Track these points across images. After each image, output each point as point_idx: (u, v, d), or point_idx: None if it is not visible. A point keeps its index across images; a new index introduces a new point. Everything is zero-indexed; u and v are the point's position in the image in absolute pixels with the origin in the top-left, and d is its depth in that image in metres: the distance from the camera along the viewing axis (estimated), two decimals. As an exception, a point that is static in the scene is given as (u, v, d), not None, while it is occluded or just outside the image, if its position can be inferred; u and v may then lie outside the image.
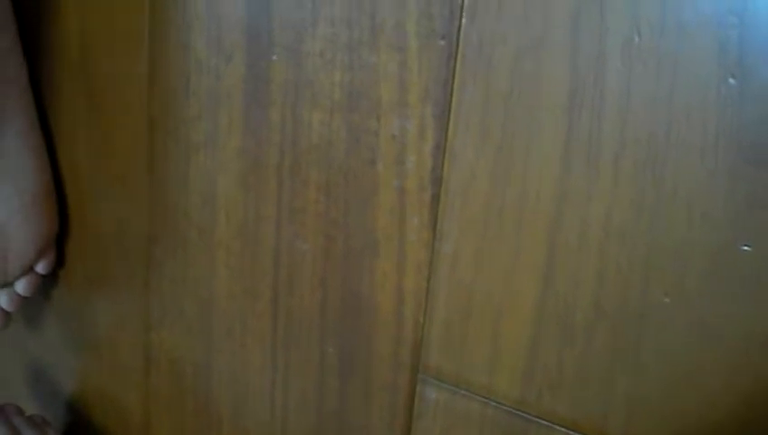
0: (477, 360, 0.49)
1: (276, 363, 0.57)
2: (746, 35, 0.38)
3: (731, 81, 0.38)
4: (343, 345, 0.54)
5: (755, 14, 0.37)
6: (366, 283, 0.51)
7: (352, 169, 0.50)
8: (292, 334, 0.56)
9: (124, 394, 0.69)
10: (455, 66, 0.45)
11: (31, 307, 0.74)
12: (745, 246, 0.40)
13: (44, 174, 0.64)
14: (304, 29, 0.49)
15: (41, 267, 0.67)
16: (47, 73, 0.63)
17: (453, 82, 0.46)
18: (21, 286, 0.67)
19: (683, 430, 0.43)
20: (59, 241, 0.68)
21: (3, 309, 0.68)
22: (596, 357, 0.45)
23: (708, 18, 0.38)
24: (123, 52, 0.58)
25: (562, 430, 0.47)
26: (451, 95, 0.46)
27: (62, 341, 0.73)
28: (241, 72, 0.52)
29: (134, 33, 0.57)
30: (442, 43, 0.45)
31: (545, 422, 0.47)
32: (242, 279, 0.57)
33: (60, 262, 0.70)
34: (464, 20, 0.44)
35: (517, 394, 0.48)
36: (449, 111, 0.46)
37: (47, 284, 0.71)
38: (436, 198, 0.48)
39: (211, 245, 0.58)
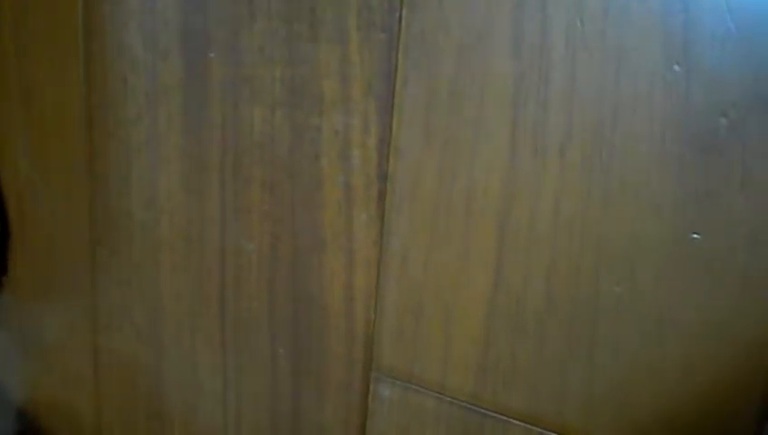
0: (430, 356, 0.48)
1: (227, 365, 0.56)
2: (691, 22, 0.37)
3: (676, 68, 0.38)
4: (294, 345, 0.53)
5: (699, 3, 0.37)
6: (315, 281, 0.50)
7: (296, 166, 0.49)
8: (242, 336, 0.55)
9: (75, 400, 0.68)
10: (397, 59, 0.44)
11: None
12: (695, 234, 0.39)
13: None
14: (241, 25, 0.48)
15: (-18, 275, 0.65)
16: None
17: (395, 76, 0.45)
18: (-37, 295, 0.65)
19: (639, 420, 0.43)
20: (1, 248, 0.66)
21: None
22: (550, 350, 0.44)
23: (653, 5, 0.38)
24: (58, 52, 0.56)
25: (518, 423, 0.46)
26: (394, 89, 0.45)
27: (10, 351, 0.71)
28: (178, 70, 0.51)
29: (68, 29, 0.55)
30: (383, 36, 0.44)
31: (501, 416, 0.47)
32: (188, 280, 0.56)
33: (2, 269, 0.68)
34: (404, 11, 0.43)
35: (471, 389, 0.47)
36: (393, 104, 0.45)
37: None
38: (382, 194, 0.47)
39: (155, 246, 0.56)
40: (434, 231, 0.46)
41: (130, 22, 0.52)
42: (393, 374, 0.50)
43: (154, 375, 0.61)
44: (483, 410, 0.47)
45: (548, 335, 0.44)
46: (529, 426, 0.46)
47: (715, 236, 0.39)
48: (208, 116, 0.50)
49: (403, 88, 0.45)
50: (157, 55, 0.51)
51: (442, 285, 0.46)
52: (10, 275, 0.68)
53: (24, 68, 0.59)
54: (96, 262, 0.61)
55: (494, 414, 0.47)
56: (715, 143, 0.38)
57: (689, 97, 0.38)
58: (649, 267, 0.41)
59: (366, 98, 0.45)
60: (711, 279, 0.40)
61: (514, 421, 0.47)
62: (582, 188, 0.41)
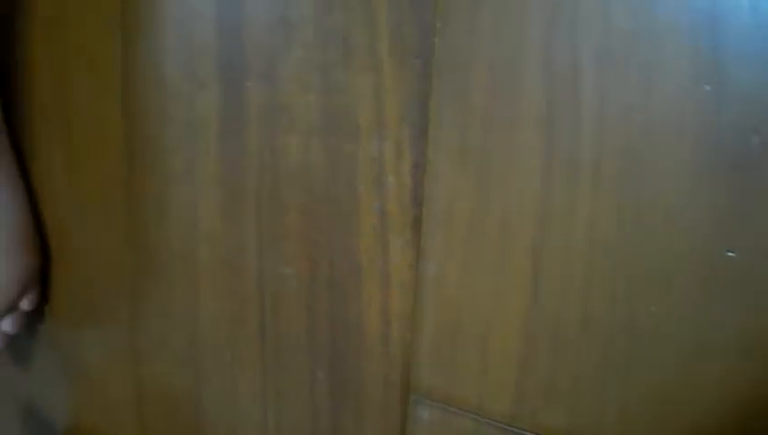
0: (468, 377, 0.48)
1: (267, 390, 0.57)
2: (719, 42, 0.37)
3: (706, 87, 0.38)
4: (333, 369, 0.53)
5: (727, 20, 0.37)
6: (352, 305, 0.51)
7: (332, 193, 0.49)
8: (282, 360, 0.55)
9: (117, 429, 0.69)
10: (430, 85, 0.45)
11: (18, 344, 0.73)
12: (730, 252, 0.40)
13: (22, 211, 0.63)
14: (277, 54, 0.49)
15: (25, 304, 0.66)
16: (21, 109, 0.63)
17: (429, 101, 0.45)
18: (7, 324, 0.66)
19: (678, 439, 0.43)
20: (43, 277, 0.68)
21: (-10, 347, 0.67)
22: (587, 369, 0.45)
23: (681, 26, 0.38)
24: (97, 84, 0.58)
25: (557, 443, 0.47)
26: (428, 114, 0.45)
27: (52, 377, 0.72)
28: (216, 99, 0.52)
29: (107, 65, 0.56)
30: (416, 62, 0.45)
31: (539, 438, 0.47)
32: (227, 307, 0.56)
33: (45, 298, 0.69)
34: (437, 38, 0.44)
35: (509, 410, 0.48)
36: (427, 130, 0.46)
37: (33, 320, 0.70)
38: (417, 219, 0.47)
39: (194, 274, 0.57)
40: (469, 254, 0.46)
41: (168, 53, 0.53)
42: (431, 396, 0.50)
43: (195, 402, 0.62)
44: (521, 431, 0.48)
45: (585, 355, 0.44)
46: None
47: (751, 254, 0.39)
48: (246, 144, 0.51)
49: (437, 114, 0.45)
50: (194, 85, 0.52)
51: (478, 307, 0.47)
52: (51, 304, 0.70)
53: (64, 101, 0.60)
54: (135, 290, 0.62)
55: (533, 435, 0.47)
56: (748, 160, 0.38)
57: (720, 116, 0.38)
58: (685, 286, 0.41)
59: (400, 124, 0.46)
60: (747, 296, 0.40)
61: (553, 442, 0.47)
62: (616, 209, 0.42)
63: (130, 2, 0.54)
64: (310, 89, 0.48)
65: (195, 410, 0.62)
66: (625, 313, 0.43)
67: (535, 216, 0.44)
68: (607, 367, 0.44)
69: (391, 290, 0.49)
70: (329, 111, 0.48)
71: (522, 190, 0.44)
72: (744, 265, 0.39)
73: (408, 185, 0.47)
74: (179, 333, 0.60)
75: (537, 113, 0.42)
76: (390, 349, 0.51)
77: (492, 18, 0.43)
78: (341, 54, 0.47)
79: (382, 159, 0.47)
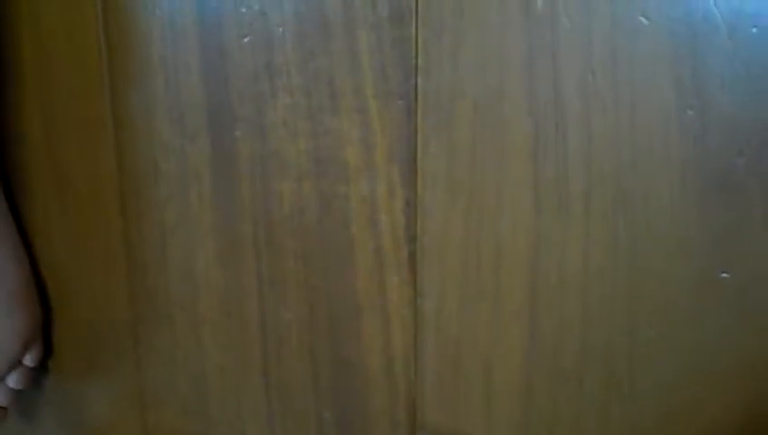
0: (473, 411, 0.49)
1: (275, 434, 0.57)
2: (700, 68, 0.38)
3: (689, 112, 0.39)
4: (339, 409, 0.53)
5: (706, 47, 0.37)
6: (353, 346, 0.51)
7: (327, 235, 0.50)
8: (287, 403, 0.55)
9: (127, 478, 0.69)
10: (416, 124, 0.45)
11: (24, 398, 0.74)
12: (724, 273, 0.40)
13: (22, 269, 0.64)
14: (264, 101, 0.49)
15: (29, 360, 0.66)
16: (13, 165, 0.63)
17: (416, 140, 0.46)
18: (12, 381, 0.66)
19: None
20: (45, 331, 0.68)
21: (-3, 404, 0.67)
22: (590, 396, 0.45)
23: (661, 53, 0.39)
24: (88, 138, 0.58)
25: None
26: (416, 152, 0.46)
27: (60, 430, 0.72)
28: (207, 150, 0.52)
29: (97, 119, 0.57)
30: (400, 102, 0.45)
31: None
32: (230, 353, 0.57)
33: (48, 351, 0.69)
34: (419, 78, 0.45)
35: (517, 441, 0.48)
36: (416, 168, 0.46)
37: (38, 374, 0.71)
38: (413, 255, 0.48)
39: (196, 322, 0.57)
40: (465, 288, 0.47)
41: (158, 107, 0.53)
42: (437, 433, 0.50)
43: (203, 448, 0.62)
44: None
45: (587, 382, 0.45)
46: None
47: (744, 273, 0.39)
48: (238, 192, 0.52)
49: (424, 151, 0.46)
50: (185, 138, 0.53)
51: (478, 341, 0.47)
52: (54, 356, 0.70)
53: (57, 157, 0.61)
54: (138, 340, 0.62)
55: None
56: (734, 182, 0.38)
57: (705, 139, 0.39)
58: (681, 309, 0.41)
59: (389, 163, 0.47)
60: (743, 315, 0.40)
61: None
62: (609, 236, 0.42)
63: (117, 55, 0.54)
64: (298, 134, 0.49)
65: (204, 456, 0.62)
66: (623, 338, 0.43)
67: (528, 247, 0.44)
68: (609, 393, 0.44)
69: (391, 328, 0.50)
70: (319, 155, 0.49)
71: (513, 223, 0.44)
72: (738, 285, 0.40)
73: (402, 223, 0.47)
74: (185, 380, 0.60)
75: (523, 147, 0.43)
76: (394, 387, 0.51)
77: (473, 56, 0.43)
78: (327, 99, 0.47)
79: (374, 199, 0.48)
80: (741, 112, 0.38)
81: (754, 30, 0.37)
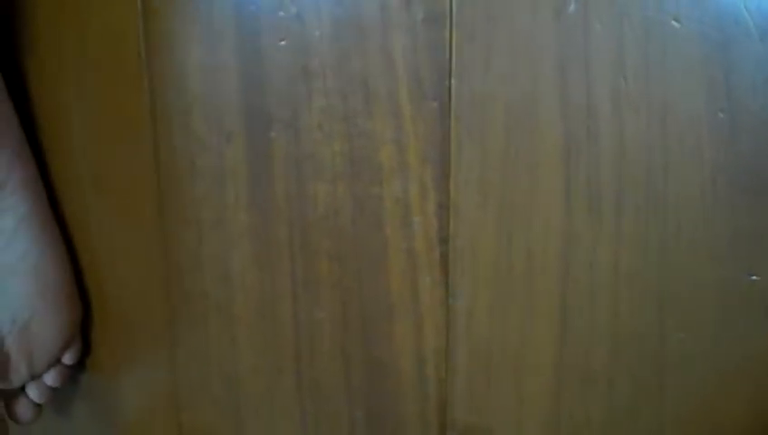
0: (503, 412, 0.49)
1: (307, 434, 0.58)
2: (731, 70, 0.38)
3: (720, 115, 0.39)
4: (371, 410, 0.54)
5: (737, 49, 0.38)
6: (386, 346, 0.52)
7: (360, 236, 0.50)
8: (320, 403, 0.56)
9: (160, 476, 0.70)
10: (449, 126, 0.46)
11: (60, 396, 0.75)
12: (754, 276, 0.40)
13: (63, 269, 0.65)
14: (300, 103, 0.50)
15: (67, 358, 0.67)
16: (53, 166, 0.65)
17: (449, 142, 0.46)
18: (50, 378, 0.67)
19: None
20: (83, 329, 0.69)
21: (33, 401, 0.68)
22: (620, 398, 0.45)
23: (692, 56, 0.39)
24: (126, 137, 0.59)
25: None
26: (449, 155, 0.46)
27: (94, 428, 0.73)
28: (242, 150, 0.53)
29: (136, 119, 0.58)
30: (434, 104, 0.46)
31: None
32: (264, 354, 0.57)
33: (86, 350, 0.70)
34: (453, 81, 0.45)
35: (544, 445, 0.48)
36: (449, 169, 0.47)
37: (74, 371, 0.72)
38: (445, 257, 0.48)
39: (231, 322, 0.58)
40: (497, 290, 0.47)
41: (195, 107, 0.54)
42: (468, 433, 0.50)
43: (236, 448, 0.63)
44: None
45: (617, 385, 0.45)
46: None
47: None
48: (273, 193, 0.52)
49: (457, 153, 0.46)
50: (222, 137, 0.53)
51: (509, 342, 0.47)
52: (93, 356, 0.71)
53: (95, 157, 0.62)
54: (174, 339, 0.63)
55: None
56: (765, 185, 0.39)
57: (736, 142, 0.39)
58: (711, 312, 0.41)
59: (423, 165, 0.47)
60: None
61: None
62: (639, 240, 0.42)
63: (156, 56, 0.55)
64: (333, 136, 0.49)
65: (237, 455, 0.63)
66: (654, 341, 0.43)
67: (559, 250, 0.44)
68: (638, 395, 0.44)
69: (424, 329, 0.50)
70: (353, 157, 0.49)
71: (544, 225, 0.45)
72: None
73: (434, 224, 0.48)
74: (219, 380, 0.61)
75: (556, 151, 0.43)
76: (426, 387, 0.51)
77: (506, 59, 0.43)
78: (362, 101, 0.48)
79: (407, 201, 0.48)
80: (772, 116, 0.38)
81: (785, 33, 0.37)
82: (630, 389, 0.44)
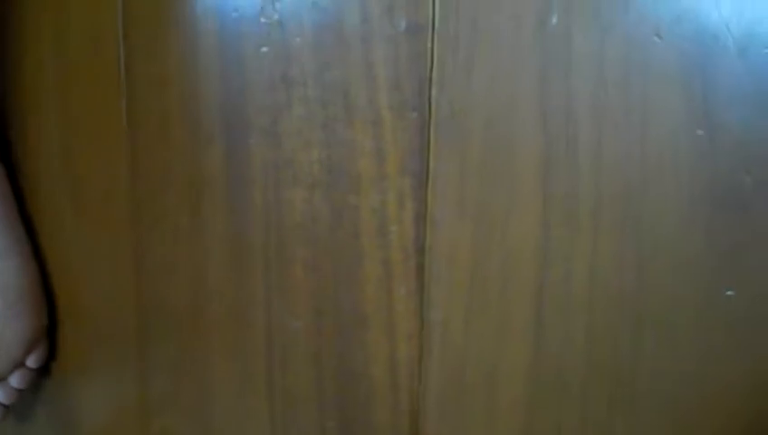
0: (475, 425, 0.49)
1: (277, 442, 0.57)
2: (710, 87, 0.39)
3: (699, 132, 0.39)
4: (343, 419, 0.54)
5: (716, 66, 0.38)
6: (359, 355, 0.52)
7: (337, 245, 0.50)
8: (291, 412, 0.56)
9: (126, 484, 0.69)
10: (429, 136, 0.46)
11: (24, 401, 0.74)
12: (729, 291, 0.40)
13: (29, 271, 0.64)
14: (279, 111, 0.50)
15: (32, 362, 0.67)
16: (27, 169, 0.64)
17: (428, 152, 0.46)
18: (15, 380, 0.67)
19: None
20: (50, 333, 0.68)
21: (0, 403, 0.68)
22: (593, 412, 0.45)
23: (672, 72, 0.39)
24: (102, 142, 0.59)
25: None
26: (428, 165, 0.46)
27: (55, 433, 0.72)
28: (220, 157, 0.53)
29: (112, 124, 0.57)
30: (414, 114, 0.46)
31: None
32: (236, 361, 0.57)
33: (52, 354, 0.69)
34: (433, 91, 0.45)
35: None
36: (427, 180, 0.47)
37: (39, 375, 0.71)
38: (421, 267, 0.48)
39: (203, 329, 0.58)
40: (473, 301, 0.47)
41: (173, 113, 0.54)
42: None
43: (205, 457, 0.62)
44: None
45: (591, 398, 0.45)
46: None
47: (749, 291, 0.40)
48: (251, 199, 0.52)
49: (436, 164, 0.46)
50: (199, 143, 0.53)
51: (484, 354, 0.47)
52: (58, 360, 0.70)
53: (70, 161, 0.61)
54: (144, 345, 0.62)
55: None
56: (742, 201, 0.39)
57: (714, 158, 0.39)
58: (687, 326, 0.42)
59: (401, 175, 0.47)
60: (747, 334, 0.40)
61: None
62: (616, 253, 0.43)
63: (135, 61, 0.55)
64: (312, 144, 0.49)
65: (205, 464, 0.62)
66: (628, 354, 0.44)
67: (536, 262, 0.45)
68: (613, 409, 0.44)
69: (397, 339, 0.50)
70: (331, 166, 0.49)
71: (521, 237, 0.45)
72: (743, 304, 0.40)
73: (411, 235, 0.48)
74: (189, 387, 0.60)
75: (534, 162, 0.43)
76: (398, 398, 0.51)
77: (487, 71, 0.44)
78: (342, 110, 0.48)
79: (385, 211, 0.48)
80: (749, 132, 0.38)
81: (765, 51, 0.37)
82: (604, 402, 0.45)
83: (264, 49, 0.50)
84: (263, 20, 0.49)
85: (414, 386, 0.50)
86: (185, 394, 0.61)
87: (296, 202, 0.51)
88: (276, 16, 0.49)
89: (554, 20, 0.41)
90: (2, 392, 0.67)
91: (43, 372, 0.71)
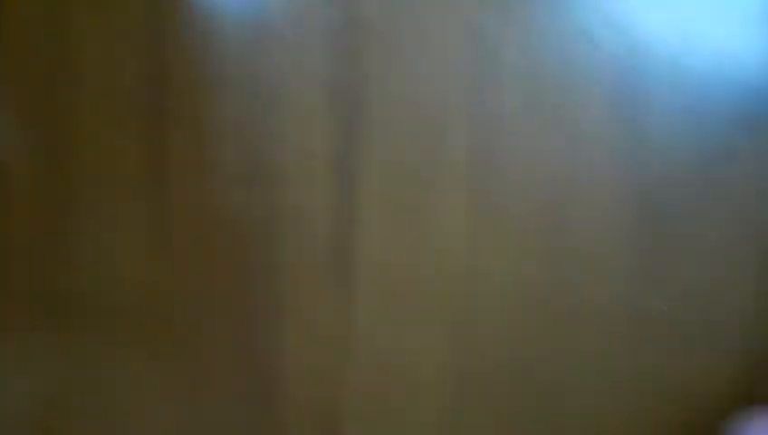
0: (396, 431, 0.48)
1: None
2: (642, 98, 0.39)
3: (627, 142, 0.40)
4: (256, 422, 0.52)
5: (646, 71, 0.39)
6: (278, 359, 0.50)
7: (261, 244, 0.49)
8: (202, 412, 0.54)
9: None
10: (358, 134, 0.45)
11: None
12: (654, 295, 0.41)
13: None
14: (205, 104, 0.49)
15: None
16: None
17: (359, 152, 0.46)
18: None
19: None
20: None
21: None
22: (516, 412, 0.45)
23: (605, 80, 0.40)
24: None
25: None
26: (358, 165, 0.46)
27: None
28: (142, 150, 0.51)
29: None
30: (345, 111, 0.45)
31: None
32: (149, 358, 0.55)
33: None
34: (366, 89, 0.45)
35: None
36: (355, 181, 0.46)
37: None
38: (346, 270, 0.47)
39: (114, 323, 0.55)
40: (399, 305, 0.46)
41: (85, 105, 0.52)
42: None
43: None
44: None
45: (514, 398, 0.45)
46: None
47: (674, 300, 0.40)
48: (172, 196, 0.51)
49: (365, 163, 0.46)
50: (120, 137, 0.52)
51: (408, 355, 0.47)
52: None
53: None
54: (50, 339, 0.59)
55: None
56: (667, 216, 0.40)
57: (643, 165, 0.40)
58: (609, 334, 0.42)
59: (329, 174, 0.46)
60: (668, 343, 0.41)
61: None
62: (541, 255, 0.43)
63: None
64: (238, 139, 0.48)
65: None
66: (550, 355, 0.44)
67: (463, 266, 0.44)
68: (539, 416, 0.44)
69: (320, 343, 0.49)
70: (257, 161, 0.48)
71: (447, 237, 0.45)
72: (665, 313, 0.41)
73: (338, 236, 0.47)
74: (94, 385, 0.58)
75: (462, 163, 0.43)
76: (316, 405, 0.50)
77: (418, 70, 0.43)
78: (270, 106, 0.47)
79: (312, 210, 0.47)
80: (677, 139, 0.39)
81: (693, 58, 0.38)
82: (530, 409, 0.45)
83: (189, 40, 0.48)
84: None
85: (334, 392, 0.49)
86: (90, 392, 0.59)
87: (219, 198, 0.50)
88: (202, 6, 0.48)
89: (487, 21, 0.42)
90: None
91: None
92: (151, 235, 0.52)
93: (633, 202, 0.40)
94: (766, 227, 0.41)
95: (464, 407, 0.46)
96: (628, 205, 0.40)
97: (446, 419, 0.47)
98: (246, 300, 0.50)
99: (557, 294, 0.43)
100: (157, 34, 0.49)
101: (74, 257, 0.55)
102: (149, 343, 0.55)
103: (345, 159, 0.46)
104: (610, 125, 0.40)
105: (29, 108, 0.53)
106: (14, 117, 0.54)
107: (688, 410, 0.42)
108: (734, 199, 0.41)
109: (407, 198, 0.45)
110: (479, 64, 0.42)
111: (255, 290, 0.50)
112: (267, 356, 0.51)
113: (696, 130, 0.40)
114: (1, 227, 0.58)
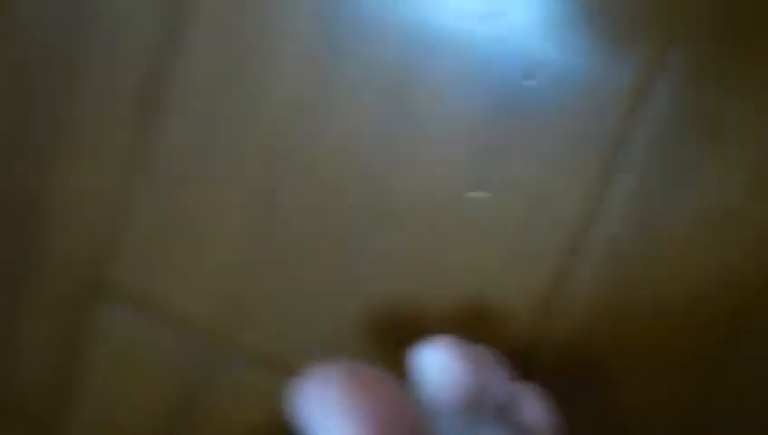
0: (172, 282, 0.44)
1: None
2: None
3: (480, 25, 0.37)
4: (15, 252, 0.47)
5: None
6: (52, 183, 0.45)
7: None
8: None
9: None
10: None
11: None
12: (482, 192, 0.39)
13: None
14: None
15: None
16: None
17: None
18: None
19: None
20: None
21: None
22: (306, 292, 0.42)
23: None
24: None
25: (258, 364, 0.44)
26: None
27: None
28: None
29: None
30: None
31: (240, 357, 0.44)
32: None
33: None
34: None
35: (210, 323, 0.44)
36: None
37: None
38: (153, 95, 0.42)
39: None
40: (205, 143, 0.42)
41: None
42: (125, 298, 0.45)
43: None
44: (221, 349, 0.44)
45: (306, 278, 0.42)
46: (269, 367, 0.43)
47: (505, 194, 0.38)
48: None
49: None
50: None
51: (202, 207, 0.43)
52: None
53: None
54: None
55: (233, 354, 0.44)
56: (516, 105, 0.38)
57: (491, 58, 0.37)
58: (426, 219, 0.40)
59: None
60: (487, 233, 0.39)
61: (254, 362, 0.44)
62: (376, 130, 0.40)
63: None
64: None
65: None
66: (361, 238, 0.41)
67: (281, 114, 0.41)
68: (325, 291, 0.42)
69: (105, 169, 0.44)
70: None
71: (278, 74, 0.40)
72: (492, 205, 0.39)
73: (154, 59, 0.42)
74: None
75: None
76: (87, 236, 0.45)
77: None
78: None
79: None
80: (532, 36, 0.37)
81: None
82: (318, 283, 0.42)
83: None
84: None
85: (113, 227, 0.44)
86: None
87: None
88: None
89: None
90: None
91: None
92: None
93: (481, 94, 0.38)
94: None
95: (252, 265, 0.43)
96: (475, 96, 0.38)
97: (229, 273, 0.43)
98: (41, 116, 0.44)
99: (384, 174, 0.40)
100: None
101: None
102: None
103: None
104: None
105: None
106: None
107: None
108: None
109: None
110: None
111: (52, 110, 0.44)
112: (46, 175, 0.45)
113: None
114: None
